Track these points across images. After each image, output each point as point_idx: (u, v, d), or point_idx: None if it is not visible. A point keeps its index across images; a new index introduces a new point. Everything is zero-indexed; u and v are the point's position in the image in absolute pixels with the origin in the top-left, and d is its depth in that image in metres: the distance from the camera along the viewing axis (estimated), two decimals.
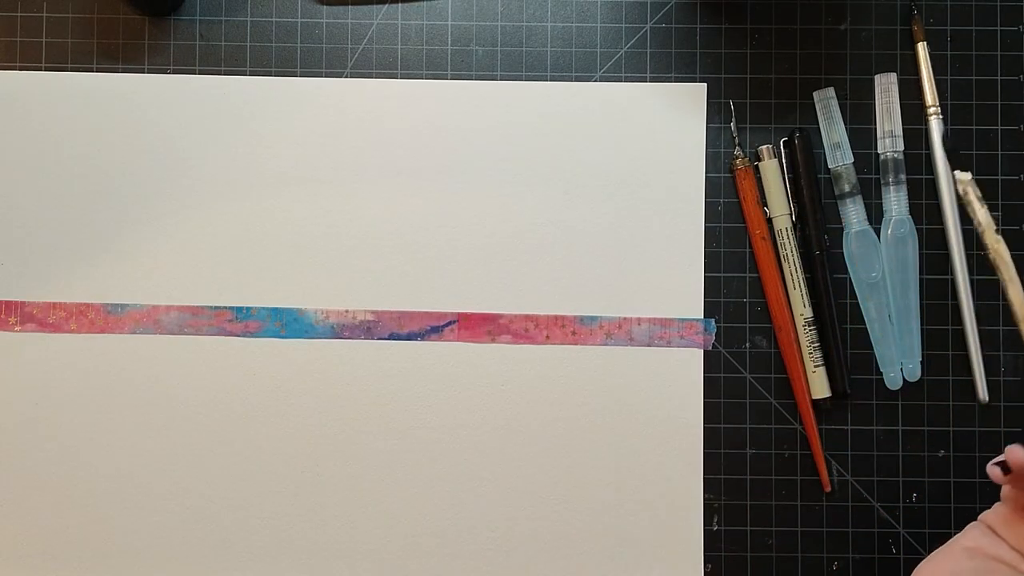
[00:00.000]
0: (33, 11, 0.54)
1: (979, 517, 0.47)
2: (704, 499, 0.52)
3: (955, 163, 0.44)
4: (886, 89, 0.53)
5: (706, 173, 0.53)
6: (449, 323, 0.53)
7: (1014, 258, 0.53)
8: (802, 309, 0.52)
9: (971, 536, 0.46)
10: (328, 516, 0.52)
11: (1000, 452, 0.52)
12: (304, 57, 0.53)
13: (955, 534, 0.52)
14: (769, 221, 0.53)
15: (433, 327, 0.53)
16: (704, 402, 0.52)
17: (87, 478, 0.52)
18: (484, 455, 0.52)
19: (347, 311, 0.53)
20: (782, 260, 0.52)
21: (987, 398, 0.52)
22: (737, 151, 0.53)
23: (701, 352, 0.53)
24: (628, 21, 0.53)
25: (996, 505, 0.47)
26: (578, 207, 0.53)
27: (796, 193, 0.53)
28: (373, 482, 0.52)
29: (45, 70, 0.53)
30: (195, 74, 0.53)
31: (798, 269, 0.52)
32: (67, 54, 0.53)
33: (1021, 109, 0.53)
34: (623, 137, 0.53)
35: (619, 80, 0.53)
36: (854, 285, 0.53)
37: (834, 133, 0.52)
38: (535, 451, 0.52)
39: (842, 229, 0.53)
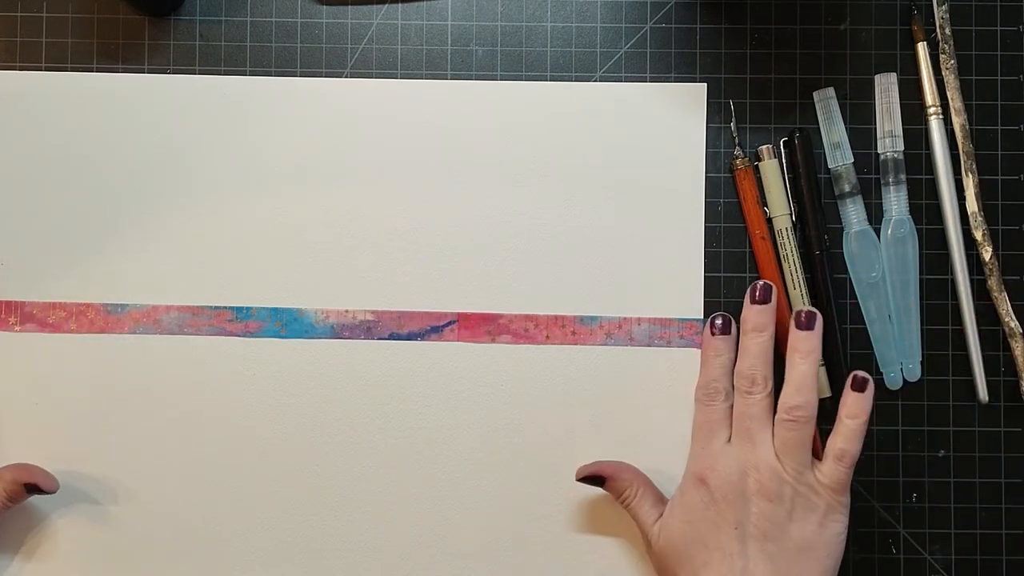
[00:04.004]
0: (33, 11, 0.54)
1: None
2: None
3: None
4: (886, 89, 0.53)
5: (706, 173, 0.53)
6: (449, 323, 0.53)
7: (1014, 258, 0.53)
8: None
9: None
10: (328, 515, 0.52)
11: (999, 452, 0.53)
12: (304, 57, 0.53)
13: (955, 534, 0.53)
14: (769, 221, 0.53)
15: (433, 327, 0.53)
16: None
17: (86, 478, 0.52)
18: (484, 455, 0.52)
19: (347, 311, 0.53)
20: (782, 260, 0.52)
21: (987, 398, 0.52)
22: (737, 151, 0.53)
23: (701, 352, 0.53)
24: (628, 21, 0.53)
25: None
26: (578, 207, 0.53)
27: (796, 193, 0.53)
28: (373, 482, 0.52)
29: (45, 70, 0.53)
30: (195, 74, 0.53)
31: (798, 269, 0.52)
32: (67, 54, 0.53)
33: (1021, 109, 0.53)
34: (623, 137, 0.53)
35: (619, 80, 0.53)
36: (854, 285, 0.53)
37: (834, 133, 0.52)
38: (535, 451, 0.52)
39: (842, 229, 0.53)
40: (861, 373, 0.48)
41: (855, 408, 0.48)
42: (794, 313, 0.49)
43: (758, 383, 0.48)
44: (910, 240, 0.52)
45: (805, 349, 0.48)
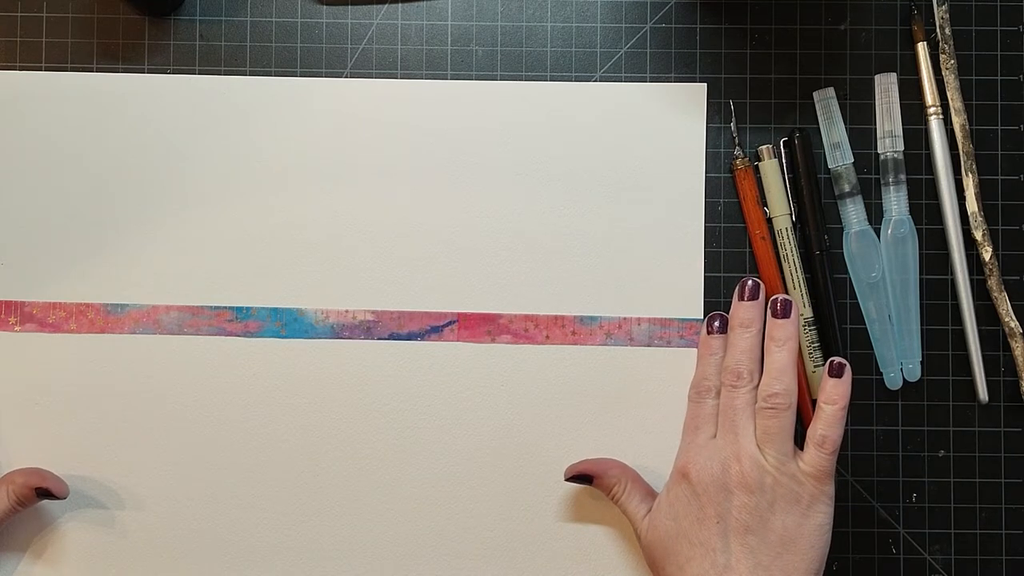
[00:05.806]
0: (33, 11, 0.54)
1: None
2: None
3: None
4: (886, 89, 0.53)
5: (706, 173, 0.53)
6: (449, 323, 0.53)
7: (1014, 258, 0.53)
8: (802, 309, 0.52)
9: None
10: (327, 516, 0.52)
11: (999, 452, 0.53)
12: (304, 57, 0.53)
13: (955, 534, 0.53)
14: (769, 221, 0.53)
15: (433, 327, 0.53)
16: None
17: (87, 478, 0.52)
18: (484, 455, 0.52)
19: (347, 311, 0.53)
20: (782, 260, 0.52)
21: (987, 398, 0.52)
22: (737, 151, 0.53)
23: None
24: (628, 21, 0.53)
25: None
26: (578, 207, 0.53)
27: (796, 193, 0.53)
28: (373, 482, 0.52)
29: (45, 70, 0.53)
30: (195, 74, 0.53)
31: (798, 269, 0.52)
32: (67, 54, 0.53)
33: (1021, 109, 0.53)
34: (623, 137, 0.53)
35: (619, 80, 0.53)
36: (854, 285, 0.53)
37: (834, 133, 0.52)
38: (535, 451, 0.52)
39: (842, 229, 0.53)
40: (838, 359, 0.48)
41: (834, 394, 0.48)
42: (770, 302, 0.50)
43: (743, 377, 0.48)
44: (910, 240, 0.52)
45: (782, 337, 0.48)
